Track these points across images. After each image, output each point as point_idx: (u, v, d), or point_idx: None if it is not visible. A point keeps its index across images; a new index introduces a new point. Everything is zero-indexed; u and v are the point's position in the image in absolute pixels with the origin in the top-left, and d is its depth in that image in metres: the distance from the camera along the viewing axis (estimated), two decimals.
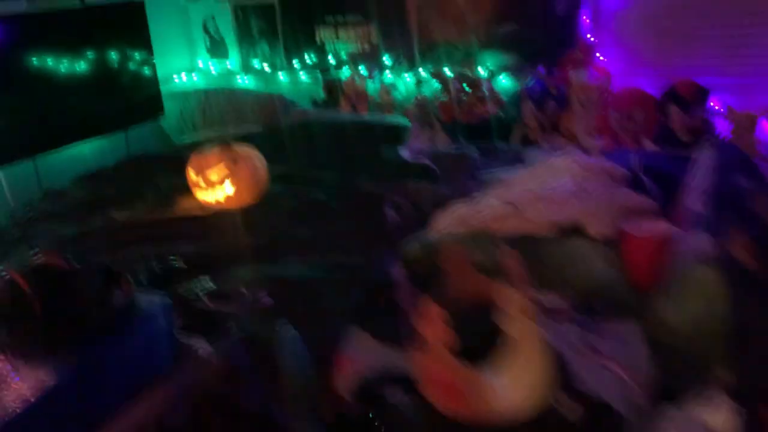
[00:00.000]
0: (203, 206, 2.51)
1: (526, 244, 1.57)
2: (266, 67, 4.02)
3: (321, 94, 3.75)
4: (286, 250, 1.94)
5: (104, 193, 2.71)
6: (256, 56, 4.07)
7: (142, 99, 3.61)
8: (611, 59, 2.98)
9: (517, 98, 3.17)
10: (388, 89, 3.53)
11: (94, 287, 1.20)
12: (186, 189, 2.67)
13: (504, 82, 3.34)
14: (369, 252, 1.88)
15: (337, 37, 3.74)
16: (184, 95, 3.94)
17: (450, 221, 1.96)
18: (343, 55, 3.75)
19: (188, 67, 4.29)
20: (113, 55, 3.43)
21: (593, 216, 1.72)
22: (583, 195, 1.82)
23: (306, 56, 3.87)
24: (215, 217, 2.33)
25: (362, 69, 3.67)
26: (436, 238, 1.86)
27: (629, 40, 2.95)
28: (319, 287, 1.70)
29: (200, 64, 4.27)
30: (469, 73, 3.31)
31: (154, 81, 3.66)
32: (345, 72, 3.74)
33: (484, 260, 1.38)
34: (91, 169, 3.11)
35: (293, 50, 3.91)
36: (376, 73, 3.61)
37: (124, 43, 3.49)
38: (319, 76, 3.78)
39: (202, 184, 2.47)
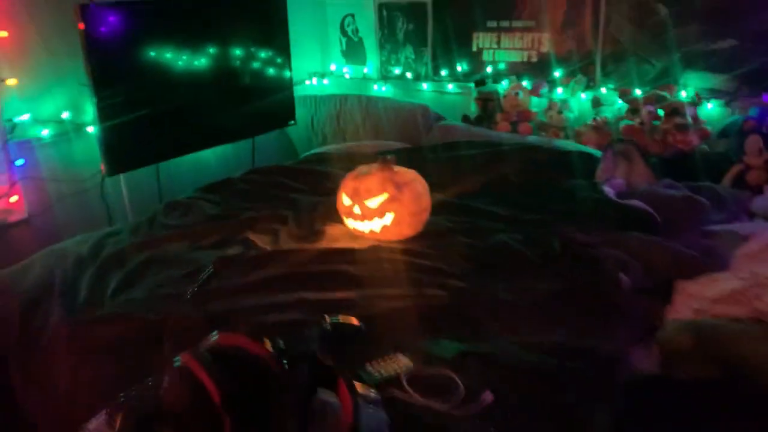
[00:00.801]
0: (353, 235, 2.16)
1: None
2: (408, 75, 3.67)
3: (473, 108, 3.34)
4: (480, 316, 1.52)
5: (235, 209, 2.42)
6: (398, 62, 3.74)
7: (275, 104, 3.34)
8: None
9: (730, 130, 2.62)
10: (559, 107, 3.07)
11: (299, 386, 0.82)
12: (328, 210, 2.34)
13: (710, 108, 2.79)
14: (605, 331, 1.42)
15: (499, 45, 3.32)
16: (315, 102, 3.66)
17: (713, 296, 1.47)
18: (502, 66, 3.33)
19: (320, 70, 4.02)
20: (248, 53, 3.18)
21: None
22: None
23: (458, 65, 3.48)
24: (374, 252, 1.95)
25: (526, 83, 3.24)
26: (707, 321, 1.38)
27: None
28: (553, 379, 1.26)
29: (333, 68, 4.00)
30: (668, 95, 2.79)
31: (289, 85, 3.39)
32: (503, 85, 3.32)
33: None
34: (216, 178, 2.86)
35: (443, 57, 3.53)
36: (544, 89, 3.16)
37: (259, 39, 3.23)
38: (473, 88, 3.38)
39: (358, 211, 2.11)
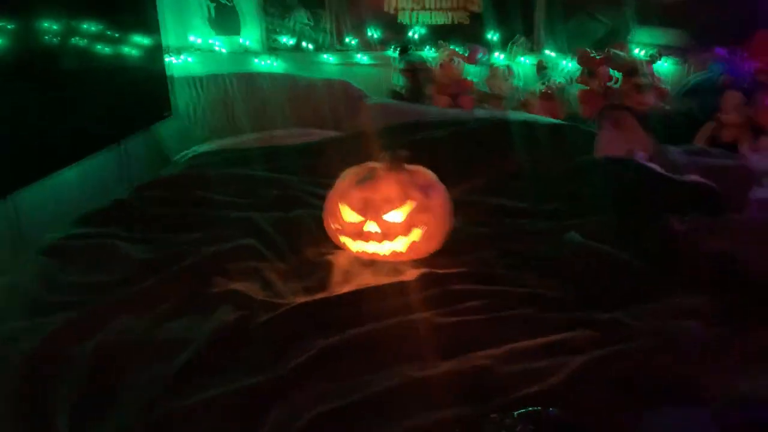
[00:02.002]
0: (363, 260, 1.66)
1: None
2: (307, 47, 3.11)
3: (398, 81, 2.93)
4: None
5: (171, 246, 1.74)
6: (289, 30, 3.16)
7: (144, 92, 2.56)
8: None
9: (701, 88, 2.59)
10: (504, 74, 2.81)
11: None
12: (308, 229, 1.81)
13: (664, 66, 2.76)
14: None
15: (421, 5, 2.94)
16: (195, 85, 2.93)
17: None
18: (423, 30, 2.96)
19: (177, 45, 3.25)
20: (98, 26, 2.36)
21: None
22: None
23: (369, 31, 3.03)
24: (432, 285, 1.48)
25: (458, 49, 2.91)
26: None
27: None
28: None
29: (195, 41, 3.25)
30: (623, 55, 2.68)
31: (159, 63, 2.63)
32: (430, 53, 2.97)
33: None
34: (85, 205, 2.04)
35: (348, 22, 3.05)
36: (481, 54, 2.87)
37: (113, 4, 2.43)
38: (394, 58, 2.96)
39: (374, 229, 1.61)
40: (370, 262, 1.66)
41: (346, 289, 1.50)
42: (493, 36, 2.89)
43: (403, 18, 2.99)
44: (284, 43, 3.16)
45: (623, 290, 1.41)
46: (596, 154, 2.19)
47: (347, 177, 1.70)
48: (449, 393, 1.09)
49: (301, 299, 1.45)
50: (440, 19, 2.94)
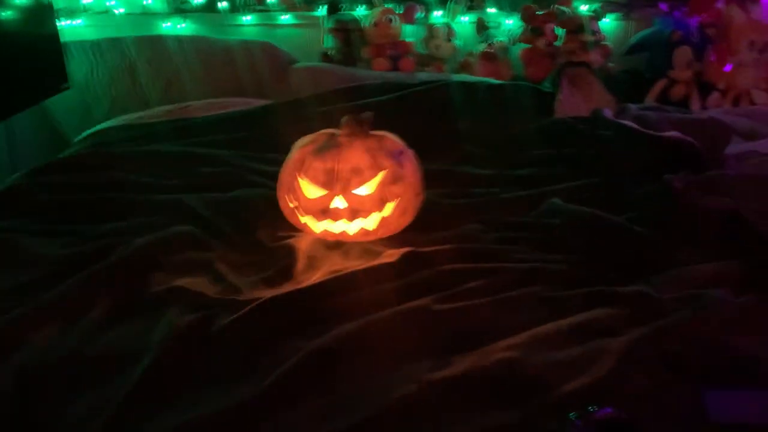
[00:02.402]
0: (329, 243, 1.45)
1: None
2: (222, 6, 2.78)
3: (328, 43, 2.68)
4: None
5: (92, 237, 1.44)
6: None
7: (34, 61, 2.16)
8: None
9: (648, 44, 2.54)
10: (445, 34, 2.63)
11: None
12: (257, 210, 1.57)
13: (607, 23, 2.69)
14: None
15: None
16: (91, 52, 2.54)
17: None
18: None
19: (65, 6, 2.82)
20: None
21: None
22: None
23: None
24: (418, 264, 1.29)
25: (391, 6, 2.70)
26: None
27: None
28: None
29: (86, 1, 2.83)
30: (567, 11, 2.58)
31: (51, 24, 2.23)
32: (362, 11, 2.74)
33: None
34: None
35: None
36: (419, 13, 2.68)
37: None
38: (322, 17, 2.71)
39: (341, 205, 1.40)
40: (337, 244, 1.45)
41: (318, 277, 1.28)
42: None
43: None
44: (193, 3, 2.82)
45: (632, 259, 1.29)
46: (557, 115, 2.08)
47: (303, 146, 1.47)
48: (478, 396, 0.91)
49: (266, 293, 1.23)
50: None
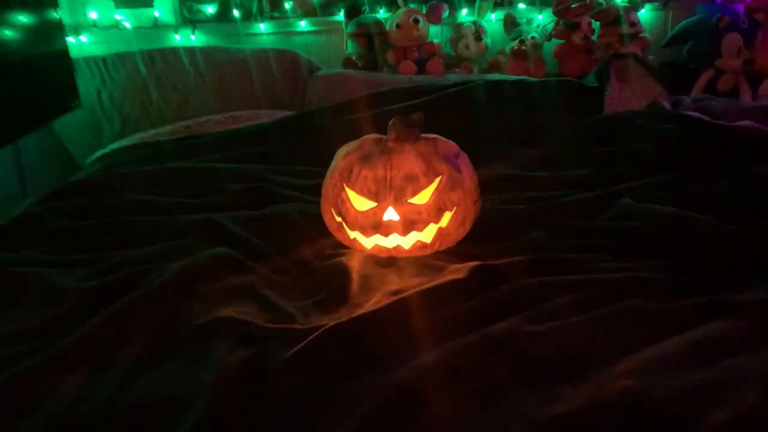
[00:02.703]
0: (379, 259, 1.31)
1: None
2: (233, 15, 2.66)
3: (351, 48, 2.56)
4: None
5: (127, 269, 1.29)
6: None
7: (44, 79, 2.04)
8: None
9: (689, 33, 2.40)
10: (475, 33, 2.50)
11: None
12: (297, 227, 1.43)
13: (643, 13, 2.55)
14: None
15: None
16: (100, 68, 2.41)
17: None
18: None
19: (73, 22, 2.71)
20: None
21: None
22: None
23: None
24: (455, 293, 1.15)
25: (416, 7, 2.58)
26: None
27: None
28: None
29: (94, 16, 2.71)
30: (602, 2, 2.45)
31: (61, 41, 2.11)
32: (383, 14, 2.62)
33: None
34: None
35: None
36: (445, 13, 2.55)
37: None
38: (342, 22, 2.59)
39: (395, 217, 1.26)
40: (390, 261, 1.31)
41: (377, 300, 1.14)
42: None
43: None
44: (206, 13, 2.71)
45: (733, 262, 1.14)
46: (607, 110, 1.94)
47: (348, 154, 1.33)
48: None
49: (323, 320, 1.08)
50: None
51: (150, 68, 2.40)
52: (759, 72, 2.29)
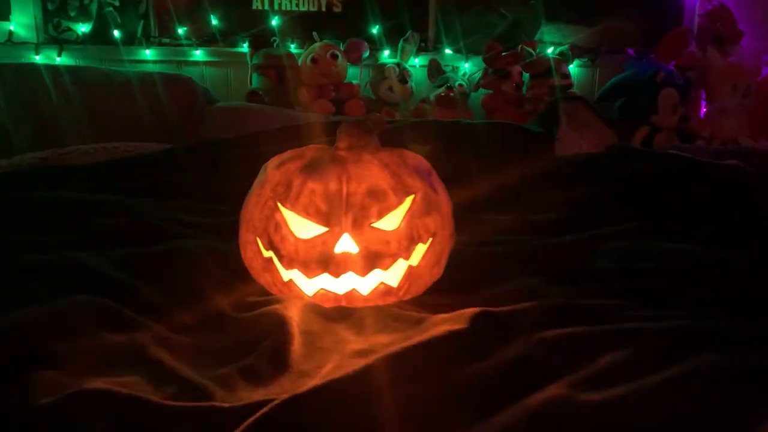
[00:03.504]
0: (322, 311, 0.95)
1: None
2: (113, 36, 2.26)
3: (256, 82, 2.22)
4: None
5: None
6: (83, 13, 2.28)
7: None
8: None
9: (620, 89, 2.31)
10: (399, 75, 2.27)
11: None
12: (200, 271, 1.03)
13: (570, 67, 2.46)
14: None
15: None
16: None
17: None
18: (276, 20, 2.32)
19: None
20: None
21: None
22: None
23: (209, 18, 2.30)
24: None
25: (332, 43, 2.31)
26: None
27: None
28: None
29: None
30: (533, 53, 2.33)
31: None
32: (294, 48, 2.34)
33: None
34: None
35: (176, 7, 2.28)
36: (366, 54, 2.30)
37: None
38: (247, 52, 2.26)
39: (353, 249, 0.92)
40: (339, 313, 0.95)
41: (336, 364, 0.78)
42: (374, 30, 2.37)
43: (257, 3, 2.33)
44: (77, 32, 2.29)
45: None
46: (557, 152, 1.75)
47: (282, 164, 0.99)
48: None
49: (257, 395, 0.71)
50: (303, 5, 2.34)
51: (12, 86, 1.92)
52: (691, 131, 2.25)
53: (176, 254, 1.09)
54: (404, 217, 0.95)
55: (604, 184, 1.44)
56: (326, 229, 0.93)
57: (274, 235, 0.94)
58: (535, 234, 1.31)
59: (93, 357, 0.77)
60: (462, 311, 0.87)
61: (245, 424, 0.62)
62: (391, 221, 0.94)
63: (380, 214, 0.93)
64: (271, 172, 0.99)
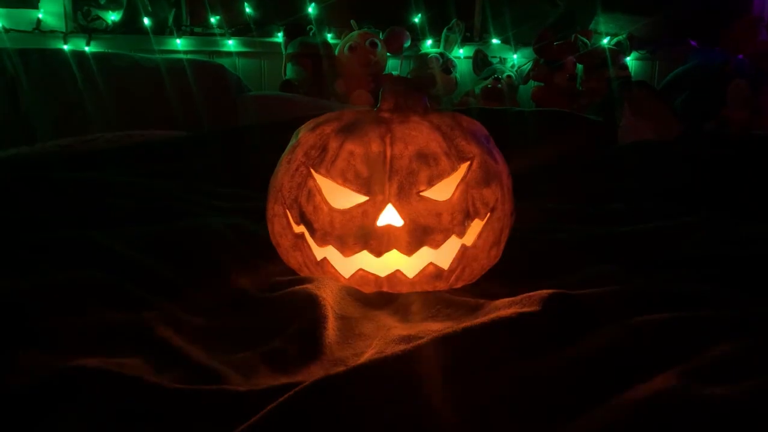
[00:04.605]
0: (359, 294, 0.82)
1: None
2: (143, 26, 2.20)
3: (291, 73, 2.13)
4: None
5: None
6: (113, 2, 2.23)
7: None
8: None
9: (683, 82, 2.16)
10: (443, 65, 2.15)
11: None
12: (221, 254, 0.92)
13: (628, 60, 2.32)
14: None
15: None
16: None
17: None
18: (312, 8, 2.23)
19: None
20: None
21: None
22: None
23: (242, 6, 2.23)
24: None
25: (371, 32, 2.22)
26: None
27: None
28: None
29: None
30: (587, 42, 2.20)
31: None
32: (331, 37, 2.25)
33: None
34: None
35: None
36: (407, 43, 2.19)
37: None
38: (281, 42, 2.18)
39: (392, 220, 0.79)
40: (380, 299, 0.82)
41: (378, 349, 0.66)
42: (416, 18, 2.26)
43: None
44: (107, 20, 2.23)
45: None
46: (620, 141, 1.61)
47: (317, 127, 0.87)
48: None
49: (282, 381, 0.58)
50: None
51: (22, 70, 1.86)
52: (764, 127, 2.07)
53: (198, 233, 0.98)
54: (458, 186, 0.82)
55: (674, 174, 1.29)
56: (366, 198, 0.80)
57: (306, 205, 0.83)
58: (595, 223, 1.17)
59: (89, 335, 0.66)
60: (531, 294, 0.73)
61: (267, 409, 0.50)
62: (444, 191, 0.81)
63: (431, 182, 0.80)
64: (304, 135, 0.87)
